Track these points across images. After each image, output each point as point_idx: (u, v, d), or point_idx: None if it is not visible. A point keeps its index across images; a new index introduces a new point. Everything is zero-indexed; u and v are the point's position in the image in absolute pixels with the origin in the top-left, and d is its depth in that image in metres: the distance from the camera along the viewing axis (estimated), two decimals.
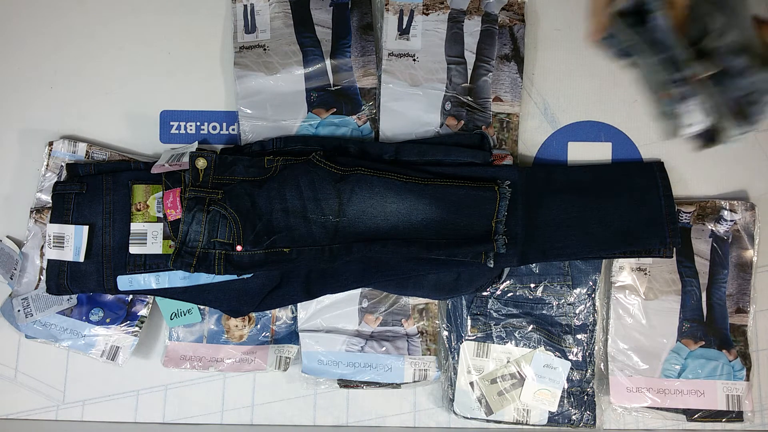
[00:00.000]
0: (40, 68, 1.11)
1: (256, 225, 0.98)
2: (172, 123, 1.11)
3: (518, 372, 1.04)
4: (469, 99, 1.07)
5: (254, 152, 1.04)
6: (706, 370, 1.04)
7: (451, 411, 1.05)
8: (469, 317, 1.04)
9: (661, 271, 1.05)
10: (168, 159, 1.02)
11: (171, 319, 1.05)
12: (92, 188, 1.03)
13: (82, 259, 1.01)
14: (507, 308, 1.05)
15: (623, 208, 1.02)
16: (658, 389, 1.03)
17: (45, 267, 1.02)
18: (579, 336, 1.04)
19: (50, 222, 1.01)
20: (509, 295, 1.05)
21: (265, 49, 1.07)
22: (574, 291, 1.05)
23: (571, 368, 1.04)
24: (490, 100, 1.07)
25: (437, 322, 1.06)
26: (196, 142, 1.08)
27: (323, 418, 1.09)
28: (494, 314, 1.05)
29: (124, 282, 1.01)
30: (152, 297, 1.05)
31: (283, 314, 1.07)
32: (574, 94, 1.10)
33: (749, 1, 0.75)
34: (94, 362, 1.05)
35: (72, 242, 1.00)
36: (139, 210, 1.02)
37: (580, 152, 1.09)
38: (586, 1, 1.11)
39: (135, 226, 1.01)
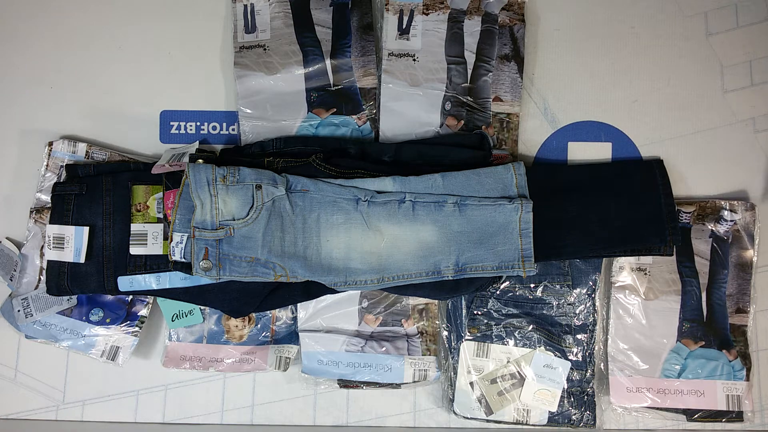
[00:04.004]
0: (40, 68, 1.11)
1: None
2: (172, 123, 1.11)
3: (518, 372, 1.04)
4: (469, 99, 1.07)
5: (254, 153, 1.04)
6: (706, 370, 1.04)
7: (451, 411, 1.05)
8: (468, 317, 1.04)
9: (661, 271, 1.05)
10: (168, 159, 1.02)
11: (172, 321, 1.05)
12: (92, 189, 1.03)
13: (82, 260, 1.01)
14: (507, 308, 1.05)
15: (623, 206, 1.02)
16: (658, 389, 1.03)
17: (45, 267, 1.02)
18: (579, 336, 1.04)
19: (50, 223, 1.01)
20: (509, 295, 1.05)
21: (265, 49, 1.07)
22: (574, 291, 1.05)
23: (571, 368, 1.04)
24: (490, 100, 1.07)
25: (437, 322, 1.06)
26: (197, 142, 1.08)
27: (323, 418, 1.09)
28: (494, 314, 1.05)
29: (125, 283, 1.01)
30: (152, 297, 1.05)
31: (283, 314, 1.07)
32: (574, 94, 1.10)
33: None
34: (94, 362, 1.05)
35: (72, 243, 1.00)
36: (139, 211, 1.02)
37: (580, 152, 1.10)
38: (586, 2, 1.12)
39: (135, 227, 1.01)
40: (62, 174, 1.05)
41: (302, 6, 1.08)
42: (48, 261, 1.01)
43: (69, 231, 1.01)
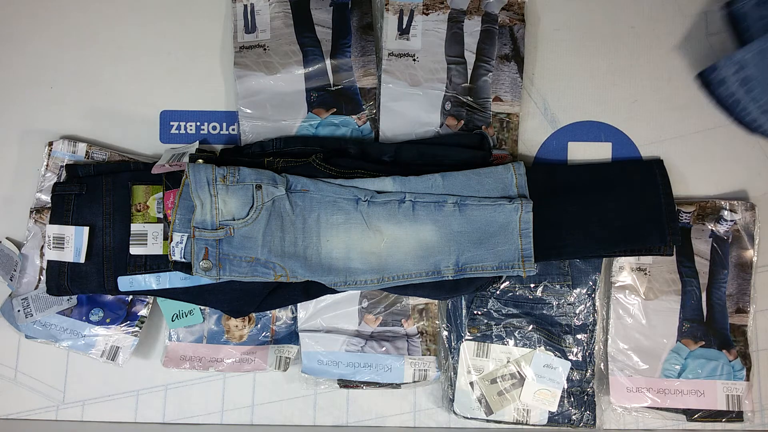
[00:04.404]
0: (40, 68, 1.11)
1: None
2: (172, 123, 1.10)
3: (518, 372, 1.04)
4: (469, 99, 1.07)
5: (254, 153, 1.04)
6: (706, 370, 1.04)
7: (451, 411, 1.05)
8: (468, 317, 1.04)
9: (661, 271, 1.05)
10: (168, 159, 1.02)
11: (172, 321, 1.05)
12: (92, 189, 1.03)
13: (82, 260, 1.01)
14: (507, 308, 1.05)
15: (623, 206, 1.02)
16: (658, 389, 1.03)
17: (45, 267, 1.02)
18: (579, 336, 1.04)
19: (50, 223, 1.01)
20: (509, 295, 1.05)
21: (265, 49, 1.07)
22: (574, 291, 1.05)
23: (571, 368, 1.04)
24: (490, 100, 1.07)
25: (437, 322, 1.06)
26: (197, 142, 1.08)
27: (323, 418, 1.09)
28: (494, 314, 1.05)
29: (125, 283, 1.01)
30: (152, 297, 1.05)
31: (283, 314, 1.07)
32: (574, 94, 1.10)
33: None
34: (94, 362, 1.05)
35: (72, 243, 1.00)
36: (139, 211, 1.02)
37: (580, 152, 1.09)
38: (586, 2, 1.12)
39: (135, 227, 1.01)
40: (62, 174, 1.05)
41: (302, 6, 1.08)
42: (48, 261, 1.01)
43: (69, 231, 1.01)
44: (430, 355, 1.05)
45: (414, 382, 1.05)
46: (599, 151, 1.09)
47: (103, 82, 1.11)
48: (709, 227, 1.06)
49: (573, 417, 1.04)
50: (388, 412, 1.09)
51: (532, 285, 1.05)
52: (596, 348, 1.05)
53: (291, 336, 1.07)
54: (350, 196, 0.99)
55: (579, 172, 1.06)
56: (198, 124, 1.10)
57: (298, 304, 1.06)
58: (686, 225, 1.06)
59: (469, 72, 1.08)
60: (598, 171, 1.06)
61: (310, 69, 1.07)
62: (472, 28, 1.08)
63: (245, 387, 1.09)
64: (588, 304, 1.05)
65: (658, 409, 1.04)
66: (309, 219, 0.99)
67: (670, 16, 1.10)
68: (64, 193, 1.02)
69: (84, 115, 1.10)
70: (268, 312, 1.07)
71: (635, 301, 1.05)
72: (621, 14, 1.11)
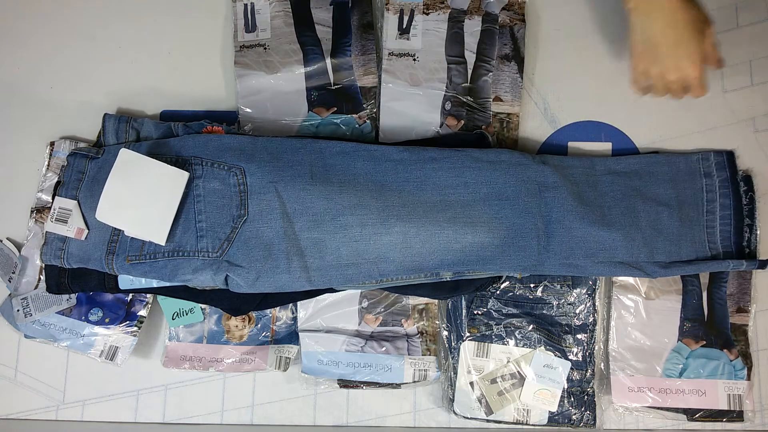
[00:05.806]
0: (40, 68, 1.11)
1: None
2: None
3: (518, 372, 1.04)
4: (469, 99, 1.07)
5: None
6: (707, 370, 1.03)
7: (451, 411, 1.04)
8: (468, 317, 1.04)
9: None
10: None
11: (173, 319, 1.04)
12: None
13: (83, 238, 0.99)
14: (507, 308, 1.05)
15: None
16: (659, 389, 1.03)
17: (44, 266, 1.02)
18: (579, 336, 1.04)
19: (58, 195, 1.00)
20: (509, 294, 1.05)
21: (265, 48, 1.08)
22: (574, 291, 1.05)
23: (571, 368, 1.04)
24: (490, 100, 1.07)
25: (437, 322, 1.06)
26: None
27: (323, 418, 1.08)
28: (494, 314, 1.05)
29: (125, 280, 1.00)
30: (152, 297, 1.05)
31: (283, 314, 1.07)
32: (574, 94, 1.10)
33: None
34: (94, 362, 1.05)
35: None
36: None
37: (580, 152, 1.09)
38: (586, 1, 1.12)
39: None
40: (63, 173, 1.05)
41: (302, 5, 1.08)
42: (47, 232, 0.99)
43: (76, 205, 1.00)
44: (430, 355, 1.05)
45: (414, 382, 1.04)
46: (599, 151, 1.09)
47: (103, 82, 1.11)
48: None
49: (573, 417, 1.03)
50: (388, 412, 1.08)
51: (532, 285, 1.05)
52: (596, 348, 1.05)
53: (291, 336, 1.07)
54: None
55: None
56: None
57: (298, 304, 1.05)
58: None
59: (469, 72, 1.08)
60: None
61: (311, 68, 1.07)
62: (473, 28, 1.08)
63: (245, 387, 1.09)
64: (588, 304, 1.05)
65: (659, 408, 1.03)
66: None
67: None
68: (80, 153, 1.02)
69: (84, 115, 1.10)
70: (268, 312, 1.06)
71: (636, 300, 1.05)
72: (621, 14, 1.10)
